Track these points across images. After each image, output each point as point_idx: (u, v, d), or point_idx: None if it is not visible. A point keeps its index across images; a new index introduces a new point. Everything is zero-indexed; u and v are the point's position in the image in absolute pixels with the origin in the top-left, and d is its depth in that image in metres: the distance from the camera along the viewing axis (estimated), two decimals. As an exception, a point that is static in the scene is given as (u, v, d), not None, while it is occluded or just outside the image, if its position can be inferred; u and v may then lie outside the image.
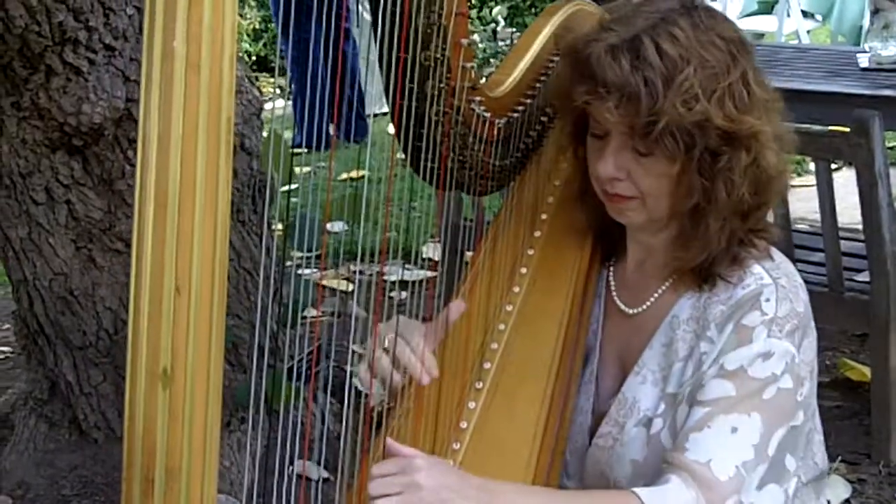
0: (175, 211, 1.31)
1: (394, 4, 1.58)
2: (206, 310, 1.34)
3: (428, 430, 1.68)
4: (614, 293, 1.80)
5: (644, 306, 1.75)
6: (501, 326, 1.79)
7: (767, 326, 1.62)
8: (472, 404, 1.73)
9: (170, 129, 1.31)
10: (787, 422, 1.64)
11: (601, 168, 1.65)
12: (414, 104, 1.65)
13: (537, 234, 1.86)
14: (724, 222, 1.64)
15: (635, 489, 1.58)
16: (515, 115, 1.81)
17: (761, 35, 7.70)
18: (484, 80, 1.78)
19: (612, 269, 1.82)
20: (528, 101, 1.82)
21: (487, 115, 1.75)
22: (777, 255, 1.72)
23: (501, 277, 1.83)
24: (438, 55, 1.64)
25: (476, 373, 1.75)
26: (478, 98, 1.73)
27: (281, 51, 6.11)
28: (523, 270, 1.83)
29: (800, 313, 1.65)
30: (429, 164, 1.72)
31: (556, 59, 1.84)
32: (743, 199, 1.63)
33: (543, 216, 1.88)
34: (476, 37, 7.21)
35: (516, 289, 1.82)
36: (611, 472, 1.70)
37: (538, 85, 1.83)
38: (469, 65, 1.68)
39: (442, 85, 1.66)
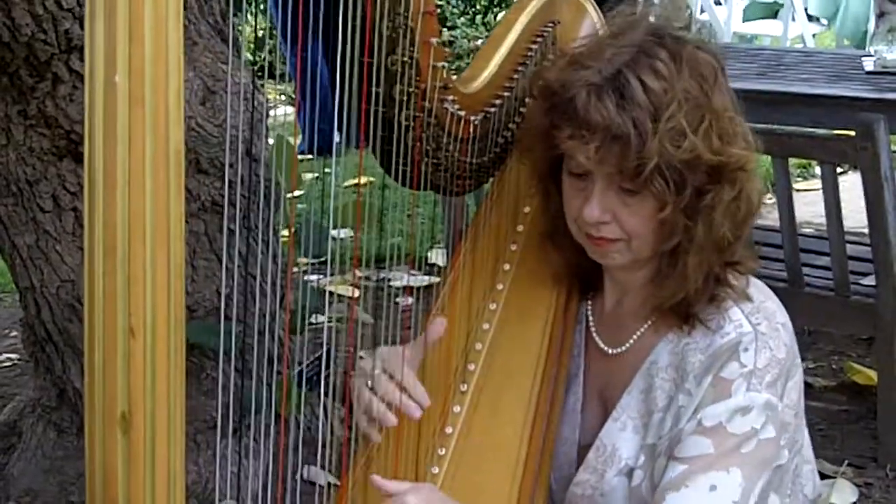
0: (125, 253, 1.27)
1: (355, 8, 1.53)
2: (163, 352, 1.30)
3: (412, 438, 1.65)
4: (593, 330, 1.74)
5: (624, 347, 1.70)
6: (486, 326, 1.74)
7: (747, 379, 1.57)
8: (456, 408, 1.69)
9: (115, 167, 1.27)
10: (769, 468, 1.59)
11: (587, 212, 1.58)
12: (382, 109, 1.61)
13: (520, 228, 1.81)
14: (702, 259, 1.58)
15: None
16: (492, 109, 1.74)
17: (766, 39, 7.69)
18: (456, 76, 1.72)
19: (590, 303, 1.76)
20: (506, 93, 1.75)
21: (462, 112, 1.68)
22: (757, 292, 1.65)
23: (484, 275, 1.78)
24: (406, 58, 1.59)
25: (460, 375, 1.71)
26: (451, 97, 1.67)
27: (283, 57, 6.11)
28: (506, 267, 1.78)
29: (781, 360, 1.59)
30: (402, 168, 1.67)
31: (534, 47, 1.78)
32: (724, 236, 1.57)
33: (526, 209, 1.82)
34: (480, 42, 7.21)
35: (500, 286, 1.77)
36: None
37: (516, 76, 1.76)
38: (440, 64, 1.62)
39: (411, 89, 1.61)
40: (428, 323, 1.68)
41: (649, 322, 1.68)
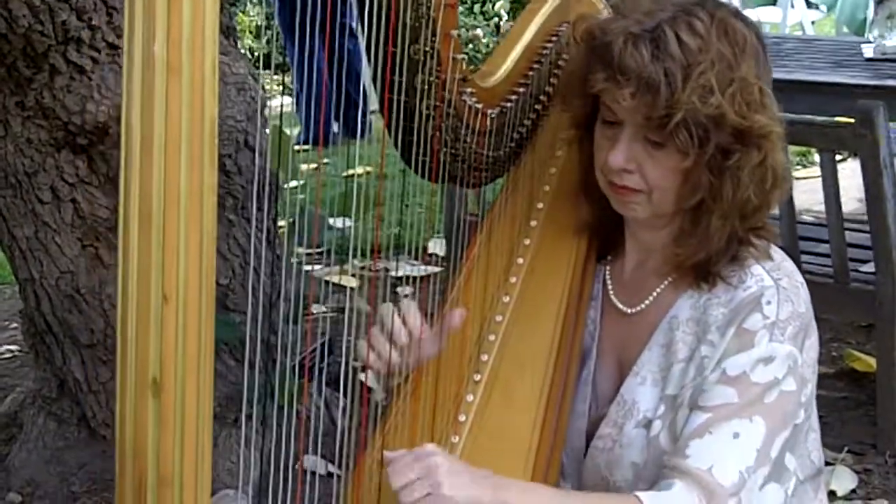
0: (160, 218, 1.29)
1: None
2: (194, 317, 1.32)
3: (426, 425, 1.67)
4: (611, 292, 1.77)
5: (642, 305, 1.73)
6: (499, 318, 1.77)
7: (769, 330, 1.61)
8: (470, 397, 1.72)
9: (152, 135, 1.29)
10: (790, 423, 1.62)
11: (612, 158, 1.63)
12: (404, 98, 1.64)
13: (533, 223, 1.85)
14: (725, 221, 1.62)
15: (639, 493, 1.57)
16: (508, 104, 1.78)
17: (766, 26, 7.69)
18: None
19: (608, 267, 1.79)
20: (521, 89, 1.80)
21: (479, 106, 1.72)
22: (777, 254, 1.69)
23: (498, 268, 1.81)
24: (428, 48, 1.62)
25: (474, 365, 1.74)
26: (469, 89, 1.70)
27: (284, 48, 6.11)
28: (520, 261, 1.82)
29: (801, 314, 1.63)
30: (421, 158, 1.70)
31: (549, 45, 1.82)
32: (749, 199, 1.61)
33: (539, 205, 1.86)
34: (479, 31, 7.21)
35: (513, 279, 1.80)
36: (611, 475, 1.69)
37: (531, 73, 1.81)
38: (460, 56, 1.66)
39: (432, 78, 1.64)
40: (447, 313, 1.71)
41: (669, 279, 1.71)
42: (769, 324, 1.61)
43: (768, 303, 1.62)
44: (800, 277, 1.68)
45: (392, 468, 1.52)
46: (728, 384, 1.60)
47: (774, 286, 1.63)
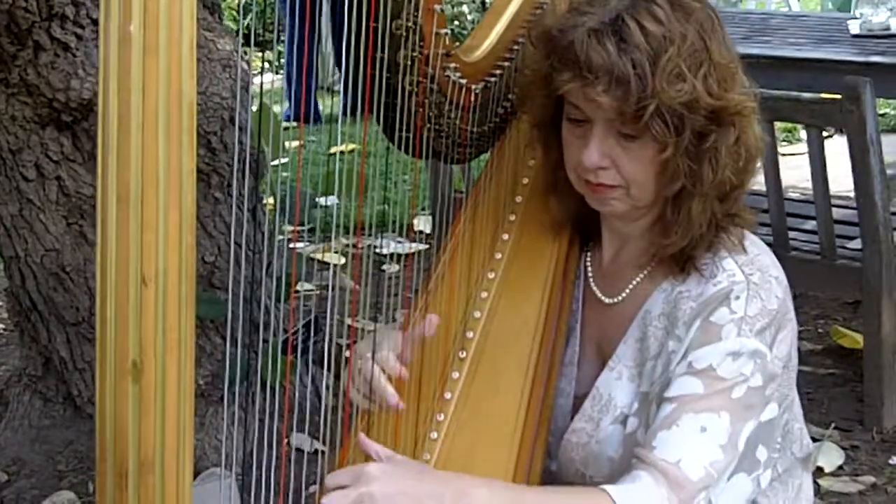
0: (138, 201, 1.28)
1: None
2: (174, 301, 1.30)
3: (412, 401, 1.66)
4: (591, 280, 1.76)
5: (620, 297, 1.71)
6: (484, 294, 1.76)
7: (738, 325, 1.59)
8: (455, 374, 1.71)
9: (129, 116, 1.27)
10: (755, 417, 1.61)
11: (586, 157, 1.60)
12: (386, 74, 1.62)
13: (518, 199, 1.83)
14: (705, 205, 1.60)
15: (606, 487, 1.55)
16: (493, 79, 1.76)
17: (751, 2, 7.68)
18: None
19: (589, 254, 1.78)
20: (506, 63, 1.77)
21: (463, 81, 1.70)
22: (752, 246, 1.66)
23: (483, 244, 1.80)
24: (410, 24, 1.60)
25: (459, 342, 1.73)
26: (453, 64, 1.68)
27: (269, 24, 6.06)
28: (505, 237, 1.80)
29: (772, 311, 1.61)
30: (404, 135, 1.68)
31: (534, 18, 1.79)
32: (727, 179, 1.59)
33: (525, 180, 1.84)
34: (465, 7, 7.18)
35: (498, 255, 1.79)
36: (586, 469, 1.68)
37: (516, 47, 1.78)
38: (443, 31, 1.64)
39: (415, 54, 1.62)
40: (421, 320, 1.67)
41: (646, 271, 1.69)
42: (737, 319, 1.59)
43: (737, 298, 1.60)
44: (775, 272, 1.65)
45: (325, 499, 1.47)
46: (694, 375, 1.58)
47: (745, 282, 1.61)
